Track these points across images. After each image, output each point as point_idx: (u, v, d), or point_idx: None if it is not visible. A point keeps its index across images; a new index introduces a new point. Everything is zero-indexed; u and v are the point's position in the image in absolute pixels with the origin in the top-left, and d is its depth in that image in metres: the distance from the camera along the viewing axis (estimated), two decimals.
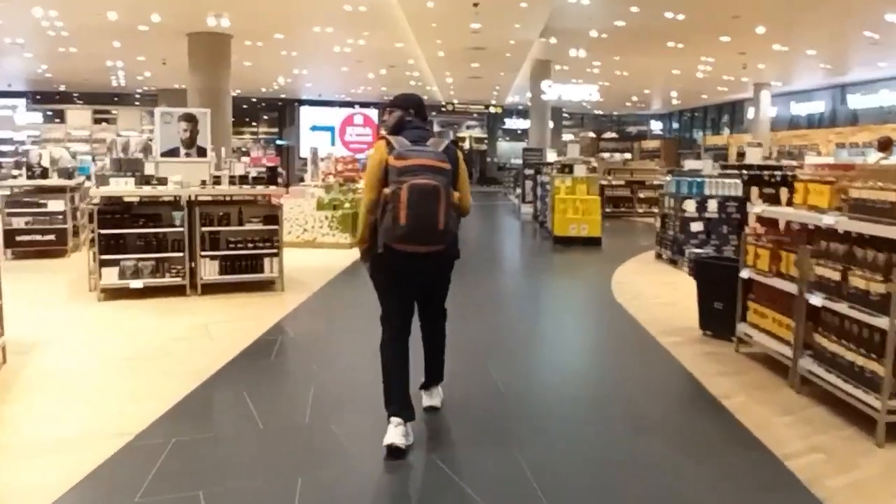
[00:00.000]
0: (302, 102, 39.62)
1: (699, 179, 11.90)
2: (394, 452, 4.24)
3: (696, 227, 11.57)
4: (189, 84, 19.50)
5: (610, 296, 9.38)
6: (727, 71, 24.60)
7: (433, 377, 5.02)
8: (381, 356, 4.48)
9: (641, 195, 22.11)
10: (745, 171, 11.91)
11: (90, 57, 23.58)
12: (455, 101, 29.84)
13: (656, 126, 42.17)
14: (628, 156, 37.81)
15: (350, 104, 39.07)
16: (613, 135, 41.73)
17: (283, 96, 37.00)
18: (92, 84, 30.45)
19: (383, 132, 4.66)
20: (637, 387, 5.74)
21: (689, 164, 22.15)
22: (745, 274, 6.46)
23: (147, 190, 8.73)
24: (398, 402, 4.39)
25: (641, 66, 24.04)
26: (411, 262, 4.34)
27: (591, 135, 39.79)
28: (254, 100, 40.09)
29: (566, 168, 15.53)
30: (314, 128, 40.32)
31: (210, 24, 17.12)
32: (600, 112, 41.91)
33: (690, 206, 11.57)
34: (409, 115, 4.59)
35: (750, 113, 32.88)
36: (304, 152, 32.46)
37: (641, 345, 7.00)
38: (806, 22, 16.99)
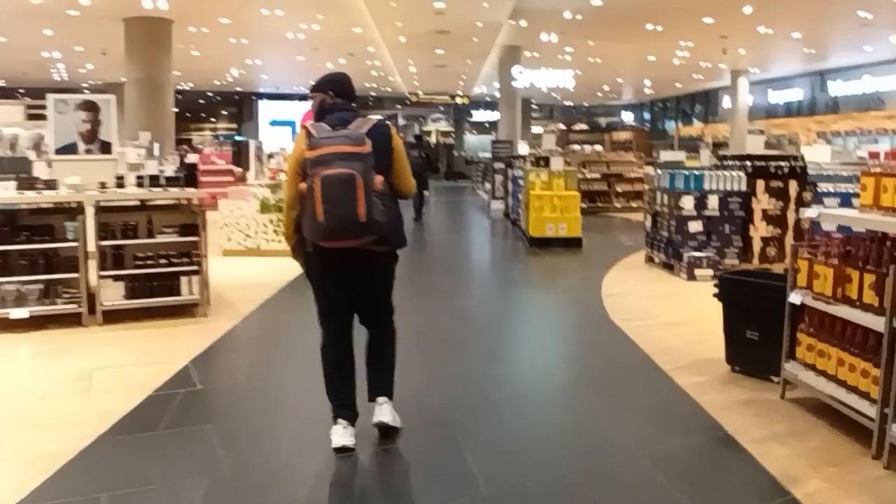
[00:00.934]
0: (260, 96, 37.71)
1: (697, 172, 10.32)
2: (343, 451, 4.11)
3: (695, 226, 10.00)
4: (126, 73, 17.63)
5: (603, 314, 7.74)
6: (705, 57, 23.16)
7: (380, 387, 4.36)
8: (321, 359, 4.26)
9: (619, 189, 20.58)
10: (748, 163, 10.34)
11: (23, 48, 21.62)
12: (419, 93, 27.91)
13: (627, 117, 40.76)
14: (599, 147, 36.33)
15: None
16: (584, 126, 40.30)
17: (238, 89, 35.00)
18: (33, 79, 28.39)
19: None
20: (660, 466, 4.06)
21: (666, 156, 20.72)
22: (796, 298, 4.84)
23: (29, 196, 6.94)
24: (341, 403, 4.21)
25: (616, 53, 22.52)
26: (340, 258, 4.01)
27: (561, 126, 38.25)
28: (210, 94, 38.07)
29: (541, 161, 13.89)
30: (273, 122, 38.49)
31: (146, 6, 15.28)
32: (570, 103, 40.42)
33: (688, 203, 10.00)
34: (329, 97, 4.19)
35: (725, 102, 31.57)
36: (265, 149, 30.75)
37: (655, 389, 5.37)
38: (797, 1, 15.52)
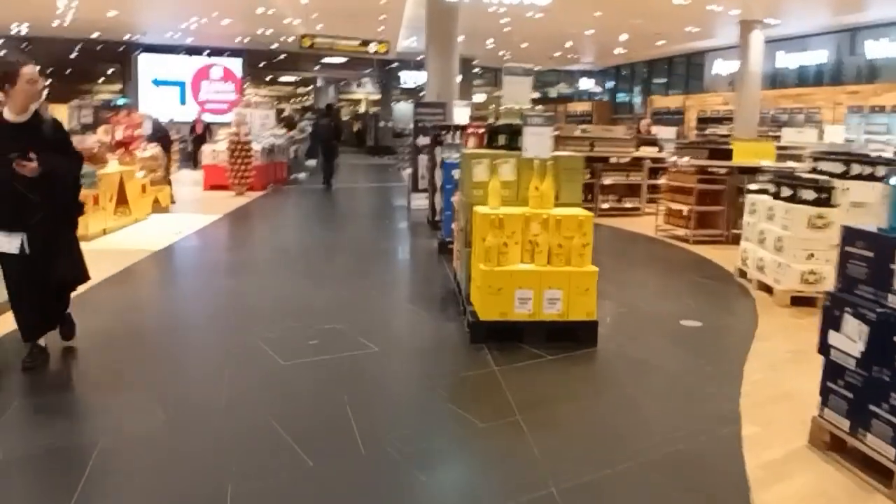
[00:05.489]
0: (135, 47, 28.96)
1: None
2: None
3: None
4: None
5: None
6: None
7: None
8: None
9: (607, 181, 12.86)
10: None
11: None
12: (317, 37, 18.73)
13: (587, 84, 32.92)
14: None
15: (198, 50, 28.63)
16: (534, 94, 32.47)
17: (98, 35, 26.13)
18: None
19: None
20: None
21: (665, 133, 13.23)
22: None
23: None
24: None
25: None
26: None
27: None
28: (78, 42, 29.01)
29: (501, 136, 5.99)
30: (157, 82, 29.79)
31: None
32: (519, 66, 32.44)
33: None
34: None
35: (717, 66, 24.14)
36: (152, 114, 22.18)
37: None
38: None
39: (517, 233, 5.16)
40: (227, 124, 17.74)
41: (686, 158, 10.21)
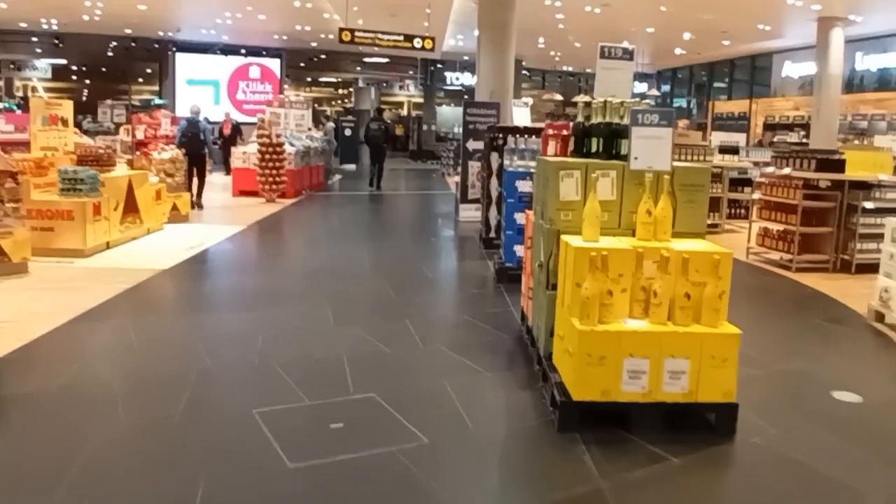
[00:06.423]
0: (171, 46, 27.95)
1: None
2: None
3: None
4: None
5: None
6: None
7: None
8: None
9: None
10: None
11: None
12: (358, 31, 17.01)
13: (641, 87, 31.12)
14: None
15: (235, 50, 27.53)
16: (585, 98, 30.77)
17: (129, 32, 25.08)
18: None
19: None
20: None
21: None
22: None
23: None
24: None
25: None
26: None
27: (557, 97, 28.74)
28: (114, 40, 28.04)
29: (590, 139, 4.44)
30: (191, 82, 28.72)
31: None
32: (569, 68, 30.83)
33: None
34: None
35: (786, 69, 22.26)
36: (181, 115, 20.96)
37: None
38: None
39: (626, 276, 3.65)
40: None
41: (787, 169, 8.57)
